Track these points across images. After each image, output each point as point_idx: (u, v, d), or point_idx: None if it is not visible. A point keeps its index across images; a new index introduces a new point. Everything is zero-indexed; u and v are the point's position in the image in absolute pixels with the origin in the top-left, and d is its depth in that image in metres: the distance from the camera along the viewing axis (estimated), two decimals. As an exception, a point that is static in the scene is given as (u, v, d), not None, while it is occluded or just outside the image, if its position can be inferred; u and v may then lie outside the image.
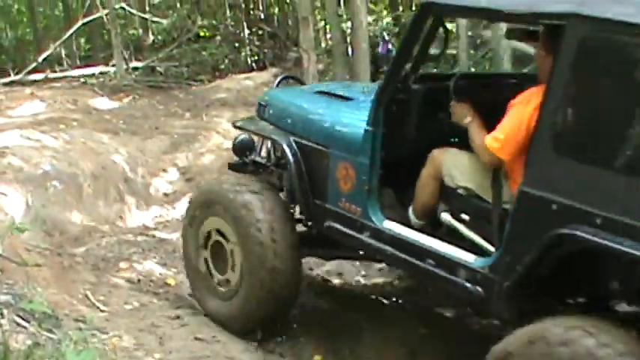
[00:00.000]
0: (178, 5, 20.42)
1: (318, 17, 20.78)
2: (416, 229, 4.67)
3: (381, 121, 4.71)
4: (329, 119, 5.24)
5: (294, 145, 5.34)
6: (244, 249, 5.21)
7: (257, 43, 18.80)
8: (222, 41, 18.41)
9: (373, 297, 6.63)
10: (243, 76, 16.04)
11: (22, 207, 7.56)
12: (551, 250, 3.68)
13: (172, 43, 18.16)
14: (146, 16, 19.37)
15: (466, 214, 4.51)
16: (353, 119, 5.03)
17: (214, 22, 19.11)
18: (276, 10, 26.32)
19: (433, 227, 4.72)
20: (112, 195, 8.59)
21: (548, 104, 3.72)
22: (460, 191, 4.53)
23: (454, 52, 15.83)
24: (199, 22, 18.73)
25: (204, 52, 17.98)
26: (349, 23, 14.18)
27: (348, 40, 16.98)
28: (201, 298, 5.79)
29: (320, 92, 5.84)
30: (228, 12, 19.20)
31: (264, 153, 6.04)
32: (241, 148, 6.04)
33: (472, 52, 15.44)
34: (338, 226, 5.04)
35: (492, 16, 5.00)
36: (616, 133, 3.50)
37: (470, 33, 14.69)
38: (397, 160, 4.84)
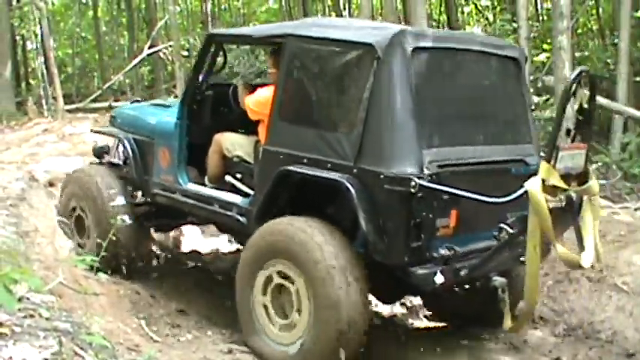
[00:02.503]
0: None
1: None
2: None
3: (186, 115, 6.87)
4: (154, 119, 7.30)
5: (132, 140, 7.36)
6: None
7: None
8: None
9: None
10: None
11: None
12: (279, 182, 5.66)
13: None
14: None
15: (239, 173, 6.55)
16: (168, 117, 7.07)
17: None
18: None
19: (221, 188, 6.60)
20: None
21: (277, 92, 5.88)
22: (235, 159, 6.61)
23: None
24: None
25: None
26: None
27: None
28: None
29: (152, 104, 8.02)
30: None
31: (116, 155, 7.63)
32: (99, 152, 7.87)
33: (535, 97, 15.29)
34: (160, 191, 7.04)
35: (247, 40, 7.39)
36: (312, 106, 5.66)
37: (532, 77, 14.55)
38: (199, 143, 6.81)
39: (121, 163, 7.52)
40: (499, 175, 5.53)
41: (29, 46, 29.60)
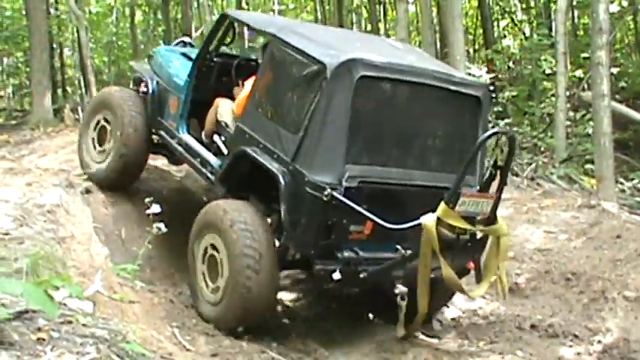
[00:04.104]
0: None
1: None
2: (200, 142, 7.64)
3: (195, 75, 7.84)
4: (173, 71, 8.23)
5: (155, 83, 8.33)
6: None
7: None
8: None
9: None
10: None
11: (118, 242, 7.69)
12: (237, 159, 6.72)
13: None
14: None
15: (224, 137, 7.43)
16: (185, 72, 7.96)
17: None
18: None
19: (211, 145, 7.59)
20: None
21: (255, 81, 6.85)
22: (222, 123, 7.55)
23: (552, 111, 15.63)
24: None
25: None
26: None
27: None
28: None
29: (182, 54, 8.66)
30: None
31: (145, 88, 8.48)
32: (136, 81, 8.79)
33: (571, 112, 15.20)
34: (164, 133, 8.08)
35: (249, 27, 7.76)
36: (276, 101, 6.50)
37: (568, 93, 14.45)
38: (205, 101, 7.76)
39: (146, 96, 8.44)
40: (424, 198, 6.02)
41: (66, 53, 29.93)
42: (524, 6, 25.52)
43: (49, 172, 9.24)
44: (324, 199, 5.77)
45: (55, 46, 26.51)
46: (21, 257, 4.32)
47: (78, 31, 21.17)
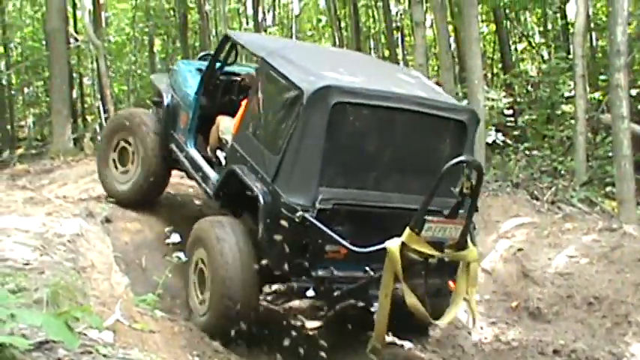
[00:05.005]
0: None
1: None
2: (205, 157, 8.10)
3: (202, 92, 8.31)
4: (186, 86, 8.66)
5: (170, 97, 8.81)
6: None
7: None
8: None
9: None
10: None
11: (138, 271, 7.70)
12: (228, 176, 7.07)
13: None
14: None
15: (223, 152, 7.79)
16: (195, 88, 8.39)
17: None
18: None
19: (214, 160, 8.02)
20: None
21: (247, 102, 7.24)
22: (224, 140, 7.89)
23: (571, 134, 15.57)
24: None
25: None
26: (465, 102, 14.08)
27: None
28: None
29: (198, 69, 8.91)
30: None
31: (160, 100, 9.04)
32: (154, 92, 9.42)
33: (590, 135, 15.13)
34: (174, 147, 8.55)
35: (243, 48, 8.18)
36: (262, 123, 6.78)
37: (587, 115, 14.41)
38: (210, 117, 8.22)
39: (161, 108, 8.98)
40: (403, 221, 5.93)
41: (86, 82, 30.13)
42: (541, 29, 25.50)
43: (69, 202, 9.29)
44: (297, 220, 6.07)
45: (74, 75, 26.71)
46: (41, 287, 4.32)
47: (97, 61, 21.29)
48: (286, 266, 6.29)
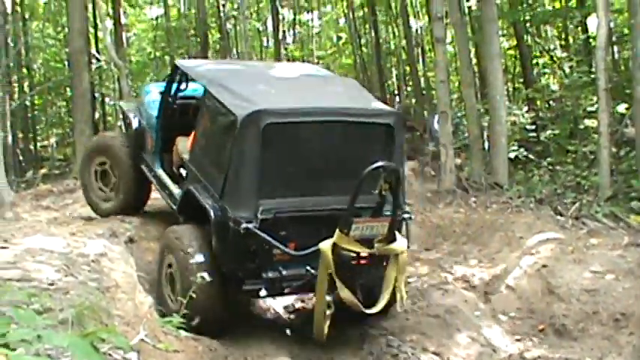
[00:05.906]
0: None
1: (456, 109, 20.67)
2: (169, 175, 8.91)
3: (162, 115, 9.05)
4: (150, 109, 9.47)
5: (137, 120, 9.67)
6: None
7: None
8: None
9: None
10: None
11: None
12: (185, 194, 7.82)
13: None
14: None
15: (185, 169, 8.31)
16: (156, 112, 9.17)
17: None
18: (413, 102, 26.31)
19: (179, 177, 8.65)
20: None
21: (197, 127, 7.92)
22: (184, 159, 8.37)
23: (594, 148, 15.47)
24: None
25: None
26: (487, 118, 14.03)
27: (485, 135, 16.80)
28: None
29: (161, 92, 9.41)
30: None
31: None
32: (123, 119, 10.27)
33: (614, 149, 15.02)
34: (144, 167, 9.37)
35: (191, 77, 8.68)
36: (210, 143, 7.58)
37: (611, 129, 14.30)
38: (173, 138, 8.92)
39: (126, 133, 10.06)
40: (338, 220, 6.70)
41: (108, 102, 30.33)
42: (563, 43, 25.41)
43: (92, 222, 9.33)
44: (242, 231, 6.76)
45: (96, 95, 26.90)
46: (66, 308, 4.33)
47: (119, 81, 21.44)
48: (239, 271, 7.09)
